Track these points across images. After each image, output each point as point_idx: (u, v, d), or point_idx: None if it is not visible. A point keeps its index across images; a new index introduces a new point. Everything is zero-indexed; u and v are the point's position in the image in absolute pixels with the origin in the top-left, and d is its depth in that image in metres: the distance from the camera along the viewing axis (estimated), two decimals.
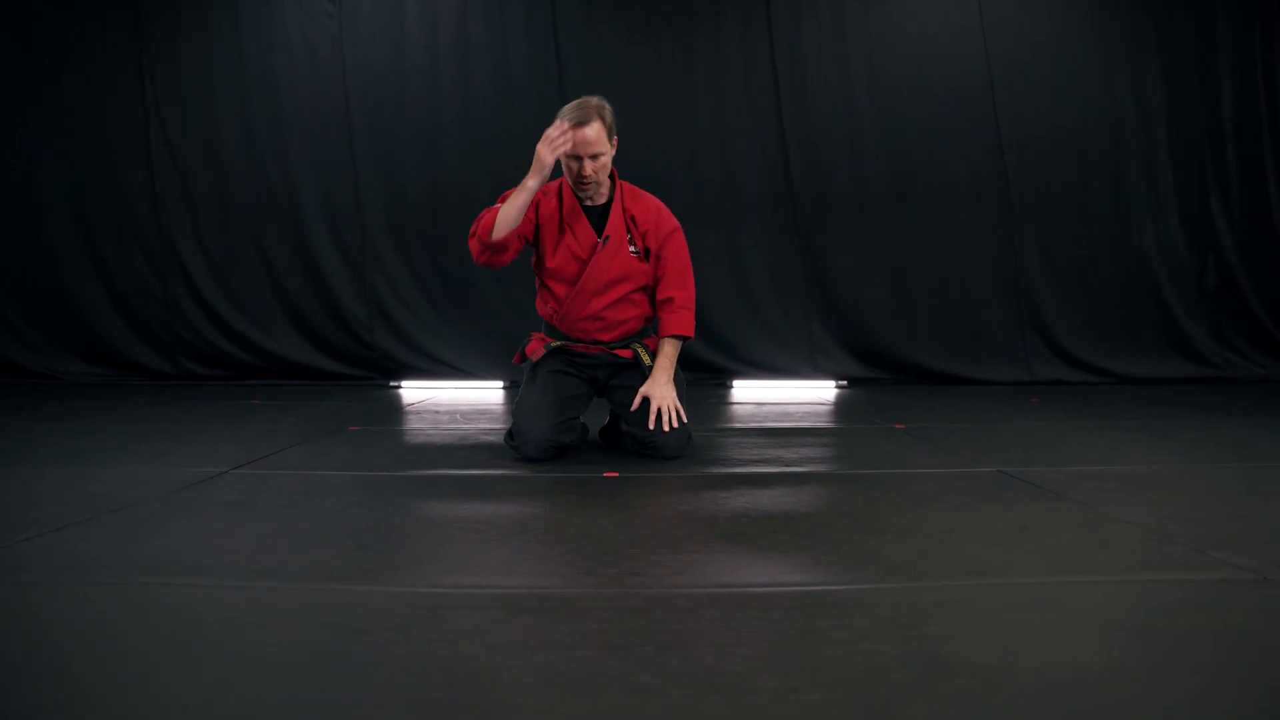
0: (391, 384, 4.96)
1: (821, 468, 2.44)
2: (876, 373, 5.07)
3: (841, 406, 4.08)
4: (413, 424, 3.46)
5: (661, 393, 2.48)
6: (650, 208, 2.58)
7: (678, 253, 2.58)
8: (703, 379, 4.91)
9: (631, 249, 2.55)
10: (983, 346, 5.07)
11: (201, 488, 2.15)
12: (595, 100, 2.39)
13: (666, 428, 2.44)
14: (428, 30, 4.99)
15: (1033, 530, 1.76)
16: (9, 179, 5.01)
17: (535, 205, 2.50)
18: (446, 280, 5.04)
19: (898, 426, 3.28)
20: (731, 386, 4.89)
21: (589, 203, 2.53)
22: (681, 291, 2.57)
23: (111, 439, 2.94)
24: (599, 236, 2.52)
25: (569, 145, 2.33)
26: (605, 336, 2.61)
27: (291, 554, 1.59)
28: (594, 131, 2.36)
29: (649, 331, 2.71)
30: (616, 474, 2.36)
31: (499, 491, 2.17)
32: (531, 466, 2.45)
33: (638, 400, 2.49)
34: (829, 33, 5.06)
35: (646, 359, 2.57)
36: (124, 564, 1.52)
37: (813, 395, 4.56)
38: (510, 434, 2.56)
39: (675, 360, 2.56)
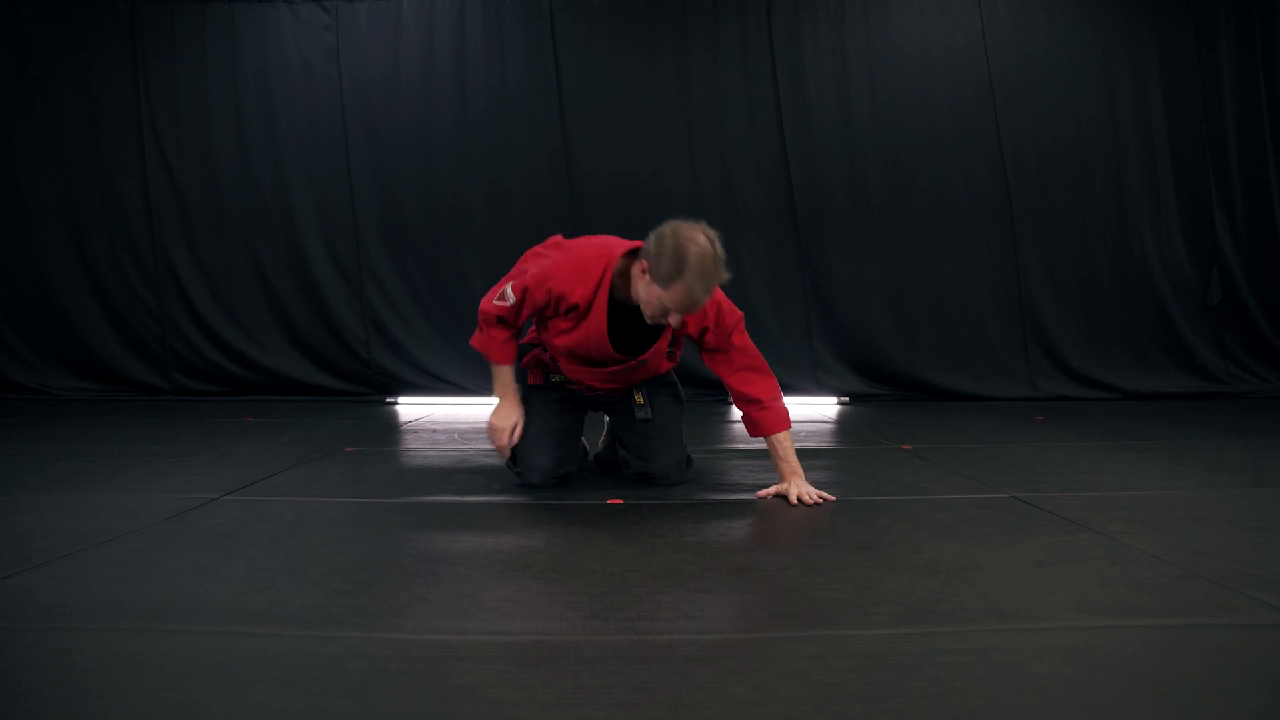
0: (388, 400, 4.89)
1: (832, 494, 2.37)
2: (879, 388, 5.02)
3: (846, 425, 4.02)
4: (410, 444, 3.39)
5: (804, 489, 2.29)
6: (709, 310, 2.24)
7: (746, 345, 2.32)
8: (703, 396, 4.85)
9: (669, 349, 2.38)
10: (985, 361, 5.02)
11: (192, 516, 2.08)
12: (719, 266, 2.02)
13: (809, 502, 2.26)
14: (424, 43, 4.94)
15: (1056, 566, 1.70)
16: (1, 192, 4.94)
17: (545, 294, 2.24)
18: (442, 295, 4.98)
19: (905, 447, 3.21)
20: (732, 404, 4.81)
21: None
22: (768, 388, 2.33)
23: (102, 461, 2.87)
24: (636, 357, 2.31)
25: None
26: (602, 392, 2.50)
27: (283, 594, 1.52)
28: (708, 300, 2.10)
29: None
30: (621, 500, 2.29)
31: (500, 521, 2.10)
32: (534, 493, 2.38)
33: (772, 492, 2.33)
34: (829, 46, 5.02)
35: (639, 398, 2.47)
36: (106, 607, 1.45)
37: (816, 412, 4.50)
38: (513, 460, 2.50)
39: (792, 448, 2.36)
